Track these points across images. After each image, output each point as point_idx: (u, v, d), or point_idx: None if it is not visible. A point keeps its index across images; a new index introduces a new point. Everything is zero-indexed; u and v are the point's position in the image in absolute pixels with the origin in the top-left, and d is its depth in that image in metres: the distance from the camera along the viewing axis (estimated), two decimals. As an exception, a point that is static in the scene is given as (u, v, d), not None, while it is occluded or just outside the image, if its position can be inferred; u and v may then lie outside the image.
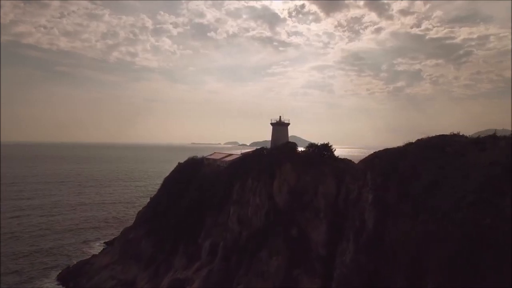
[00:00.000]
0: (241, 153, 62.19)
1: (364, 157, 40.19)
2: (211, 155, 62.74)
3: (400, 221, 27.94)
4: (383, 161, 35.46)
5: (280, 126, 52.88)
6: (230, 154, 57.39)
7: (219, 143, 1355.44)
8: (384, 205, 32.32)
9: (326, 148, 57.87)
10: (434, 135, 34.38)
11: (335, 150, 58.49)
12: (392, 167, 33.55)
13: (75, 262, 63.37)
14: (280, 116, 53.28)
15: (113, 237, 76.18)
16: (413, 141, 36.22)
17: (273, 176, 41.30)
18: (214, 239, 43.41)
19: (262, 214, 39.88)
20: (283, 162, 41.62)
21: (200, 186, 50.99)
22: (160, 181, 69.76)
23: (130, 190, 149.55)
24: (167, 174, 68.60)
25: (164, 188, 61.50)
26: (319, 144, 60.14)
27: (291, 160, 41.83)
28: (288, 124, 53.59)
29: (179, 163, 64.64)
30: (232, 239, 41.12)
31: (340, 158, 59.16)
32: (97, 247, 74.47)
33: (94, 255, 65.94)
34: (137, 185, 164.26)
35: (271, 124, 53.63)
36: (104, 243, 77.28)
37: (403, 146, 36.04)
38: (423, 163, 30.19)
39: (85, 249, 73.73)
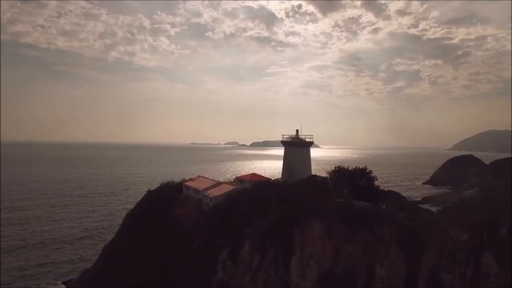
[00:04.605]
0: (235, 178, 43.31)
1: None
2: (192, 180, 43.93)
3: None
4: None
5: (297, 148, 32.02)
6: (219, 183, 38.57)
7: (219, 143, 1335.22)
8: None
9: (362, 176, 38.66)
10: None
11: (375, 177, 39.43)
12: None
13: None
14: (297, 130, 32.12)
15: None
16: None
17: (290, 244, 22.56)
18: None
19: (269, 324, 21.10)
20: (307, 218, 22.87)
21: (169, 241, 32.16)
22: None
23: (116, 206, 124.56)
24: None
25: (125, 229, 42.68)
26: (350, 168, 40.89)
27: (321, 214, 23.01)
28: (311, 143, 32.41)
29: (148, 191, 45.74)
30: None
31: (382, 191, 40.28)
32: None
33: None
34: (128, 196, 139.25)
35: (283, 143, 33.21)
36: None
37: None
38: None
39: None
